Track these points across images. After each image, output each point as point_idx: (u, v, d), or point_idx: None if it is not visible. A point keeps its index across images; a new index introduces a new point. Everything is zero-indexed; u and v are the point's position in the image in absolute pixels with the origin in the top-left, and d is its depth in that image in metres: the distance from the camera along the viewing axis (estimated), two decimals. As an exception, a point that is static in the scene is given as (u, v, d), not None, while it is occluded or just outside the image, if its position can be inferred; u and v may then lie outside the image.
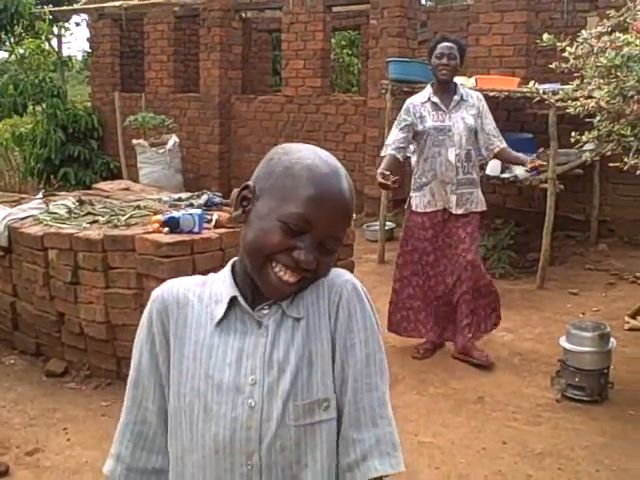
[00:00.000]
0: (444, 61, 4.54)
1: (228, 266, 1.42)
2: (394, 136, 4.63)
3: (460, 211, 4.61)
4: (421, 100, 4.66)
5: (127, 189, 6.36)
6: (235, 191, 1.39)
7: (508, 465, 3.52)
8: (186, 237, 4.21)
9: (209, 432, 1.29)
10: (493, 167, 6.80)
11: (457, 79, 7.68)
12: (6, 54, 13.95)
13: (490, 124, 4.68)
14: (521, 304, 5.96)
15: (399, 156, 4.57)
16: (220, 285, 1.38)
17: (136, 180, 9.31)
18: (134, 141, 10.11)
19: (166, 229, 4.29)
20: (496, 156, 4.81)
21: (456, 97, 4.61)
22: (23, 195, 6.88)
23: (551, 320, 5.52)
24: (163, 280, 4.37)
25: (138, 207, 5.18)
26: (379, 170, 4.48)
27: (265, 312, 1.33)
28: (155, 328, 1.37)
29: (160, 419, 1.37)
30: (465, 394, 4.30)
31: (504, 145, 4.69)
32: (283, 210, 1.29)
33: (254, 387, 1.29)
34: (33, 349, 4.95)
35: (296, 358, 1.30)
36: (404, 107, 4.69)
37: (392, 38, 8.90)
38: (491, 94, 6.76)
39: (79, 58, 26.11)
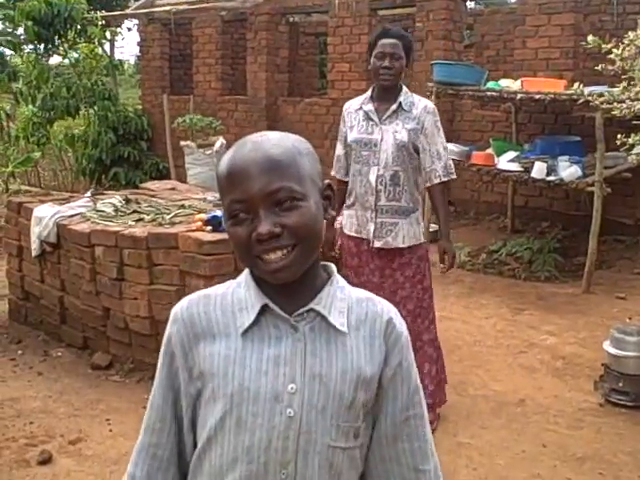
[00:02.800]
0: (386, 63, 3.69)
1: (247, 269, 1.36)
2: (337, 151, 3.97)
3: (378, 244, 3.76)
4: (356, 106, 3.88)
5: (173, 189, 6.46)
6: None
7: (547, 468, 3.47)
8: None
9: (241, 445, 1.25)
10: (539, 169, 6.72)
11: (503, 81, 7.74)
12: (59, 58, 14.27)
13: (434, 145, 3.75)
14: (566, 308, 5.88)
15: (345, 179, 3.92)
16: (242, 291, 1.33)
17: (184, 181, 9.44)
18: (182, 142, 10.25)
19: (209, 227, 4.35)
20: (428, 190, 3.89)
21: (393, 106, 3.74)
22: (72, 194, 7.03)
23: (596, 324, 5.43)
24: (205, 277, 4.43)
25: (183, 206, 5.27)
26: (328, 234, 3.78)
27: (299, 316, 1.29)
28: (175, 350, 1.32)
29: (176, 440, 1.33)
30: (505, 396, 4.26)
31: (437, 181, 3.77)
32: (224, 208, 1.29)
33: (293, 396, 1.25)
34: (80, 342, 5.05)
35: (341, 376, 1.27)
36: (342, 113, 3.97)
37: (437, 41, 8.89)
38: (537, 96, 6.71)
39: (132, 62, 26.66)
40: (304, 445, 1.25)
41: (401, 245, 3.77)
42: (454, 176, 3.86)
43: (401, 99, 3.76)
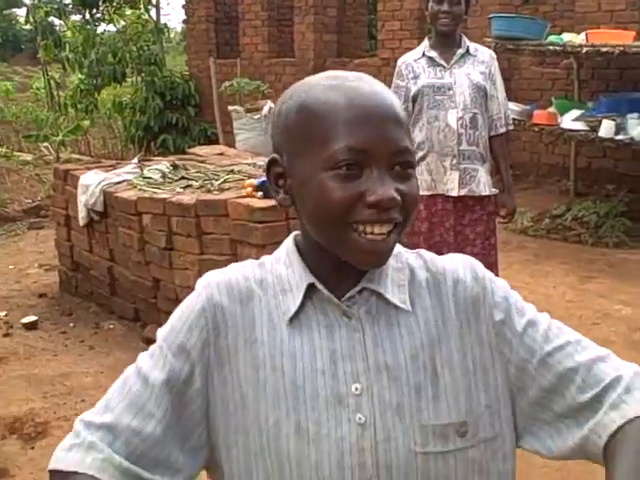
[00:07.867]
0: (445, 7, 3.51)
1: (290, 243, 1.10)
2: None
3: (463, 192, 3.63)
4: (415, 57, 3.72)
5: (222, 154, 6.28)
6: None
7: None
8: (281, 201, 4.04)
9: (307, 461, 1.00)
10: (607, 128, 6.33)
11: (564, 36, 7.30)
12: (104, 26, 14.20)
13: (501, 93, 3.73)
14: (638, 275, 5.53)
15: None
16: (284, 269, 1.07)
17: (233, 146, 9.25)
18: (230, 107, 10.04)
19: (260, 193, 4.14)
20: (489, 140, 3.74)
21: (460, 50, 3.64)
22: (119, 160, 6.89)
23: (673, 293, 5.09)
24: (257, 246, 4.20)
25: (232, 171, 5.06)
26: None
27: (350, 299, 1.04)
28: (202, 331, 1.04)
29: (164, 434, 1.01)
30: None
31: (502, 130, 3.74)
32: (325, 156, 0.97)
33: (360, 398, 1.00)
34: (131, 314, 4.92)
35: (412, 362, 1.03)
36: (396, 69, 3.77)
37: (494, -5, 8.45)
38: (604, 49, 6.29)
39: (178, 30, 26.55)
40: (384, 456, 0.99)
41: (483, 192, 3.68)
42: (512, 127, 3.90)
43: (468, 45, 3.68)
